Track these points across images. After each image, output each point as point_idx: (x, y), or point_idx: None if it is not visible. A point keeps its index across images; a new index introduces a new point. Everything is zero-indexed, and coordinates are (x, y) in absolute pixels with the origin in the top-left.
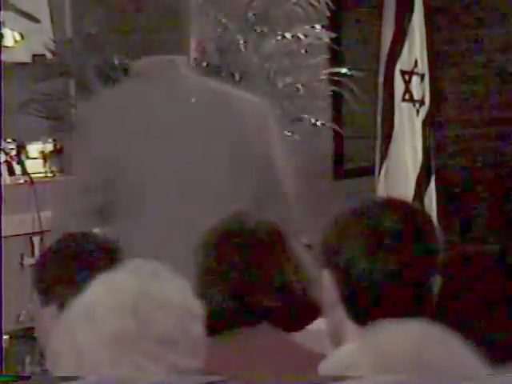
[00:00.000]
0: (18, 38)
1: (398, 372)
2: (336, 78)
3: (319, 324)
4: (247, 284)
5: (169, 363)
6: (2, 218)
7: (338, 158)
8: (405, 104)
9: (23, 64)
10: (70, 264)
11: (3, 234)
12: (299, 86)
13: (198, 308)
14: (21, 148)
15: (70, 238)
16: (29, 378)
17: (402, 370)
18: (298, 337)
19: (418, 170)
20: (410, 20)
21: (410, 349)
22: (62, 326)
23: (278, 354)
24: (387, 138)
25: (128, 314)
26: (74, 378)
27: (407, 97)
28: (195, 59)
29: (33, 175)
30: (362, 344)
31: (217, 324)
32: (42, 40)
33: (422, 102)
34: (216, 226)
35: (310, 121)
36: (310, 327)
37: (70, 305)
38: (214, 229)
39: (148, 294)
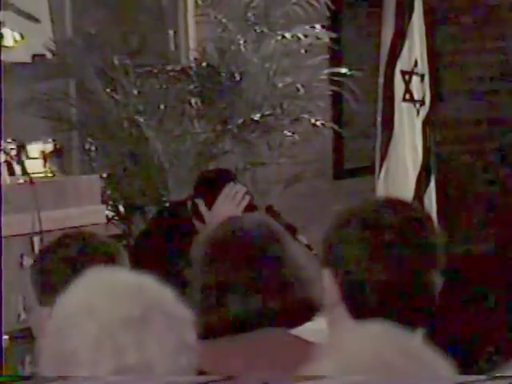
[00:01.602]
0: (18, 37)
1: (361, 372)
2: (336, 78)
3: (321, 323)
4: (250, 288)
5: (180, 339)
6: (2, 218)
7: (338, 158)
8: (405, 104)
9: (23, 64)
10: (67, 264)
11: (3, 234)
12: (299, 86)
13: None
14: (21, 148)
15: (68, 237)
16: (29, 377)
17: (364, 370)
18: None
19: (417, 170)
20: (409, 20)
21: (372, 349)
22: (62, 326)
23: (287, 352)
24: (387, 137)
25: (131, 298)
26: (75, 378)
27: (407, 97)
28: (195, 59)
29: (33, 175)
30: (326, 345)
31: (223, 328)
32: (42, 40)
33: (422, 102)
34: (211, 234)
35: (309, 121)
36: (311, 327)
37: (58, 308)
38: (209, 237)
39: (135, 282)
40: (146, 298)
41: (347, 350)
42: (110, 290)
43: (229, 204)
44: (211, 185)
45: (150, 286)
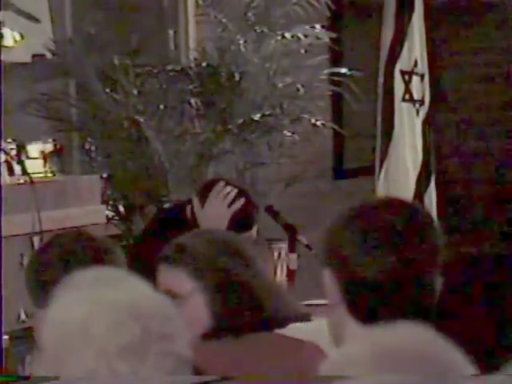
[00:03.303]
0: (17, 38)
1: (401, 371)
2: (336, 78)
3: (320, 324)
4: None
5: (176, 356)
6: (2, 218)
7: (338, 158)
8: (405, 104)
9: (23, 64)
10: (61, 265)
11: (3, 234)
12: (299, 86)
13: (167, 299)
14: (21, 148)
15: (61, 237)
16: (28, 378)
17: (406, 369)
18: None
19: (417, 170)
20: (409, 20)
21: (417, 348)
22: (58, 349)
23: (288, 354)
24: (387, 137)
25: (129, 323)
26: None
27: (407, 97)
28: (195, 59)
29: (33, 175)
30: (365, 343)
31: (224, 331)
32: (42, 40)
33: (421, 102)
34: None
35: (309, 121)
36: (311, 327)
37: (52, 324)
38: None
39: (133, 300)
40: (143, 321)
41: (390, 348)
42: (107, 314)
43: (219, 204)
44: (205, 188)
45: (147, 303)
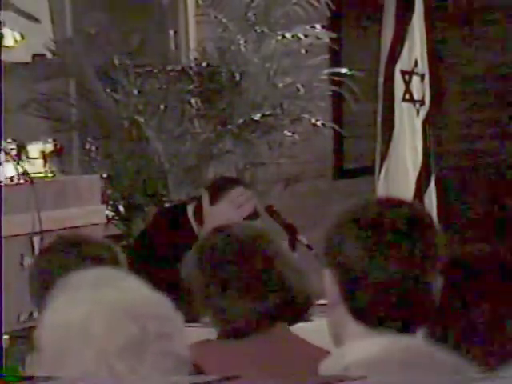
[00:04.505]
0: (18, 37)
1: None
2: (336, 78)
3: (321, 324)
4: (252, 291)
5: (175, 356)
6: (2, 217)
7: (338, 158)
8: (405, 104)
9: (23, 64)
10: (62, 266)
11: (3, 234)
12: (299, 85)
13: (164, 297)
14: (21, 148)
15: (62, 239)
16: (31, 378)
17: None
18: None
19: (417, 170)
20: (410, 20)
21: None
22: (58, 350)
23: (294, 354)
24: (387, 137)
25: (127, 323)
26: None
27: (407, 97)
28: (195, 59)
29: (33, 175)
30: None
31: (236, 331)
32: (42, 40)
33: (422, 102)
34: (204, 243)
35: (310, 121)
36: (311, 327)
37: (51, 325)
38: (203, 245)
39: (131, 300)
40: (142, 322)
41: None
42: (107, 314)
43: (230, 209)
44: (219, 186)
45: (147, 303)
